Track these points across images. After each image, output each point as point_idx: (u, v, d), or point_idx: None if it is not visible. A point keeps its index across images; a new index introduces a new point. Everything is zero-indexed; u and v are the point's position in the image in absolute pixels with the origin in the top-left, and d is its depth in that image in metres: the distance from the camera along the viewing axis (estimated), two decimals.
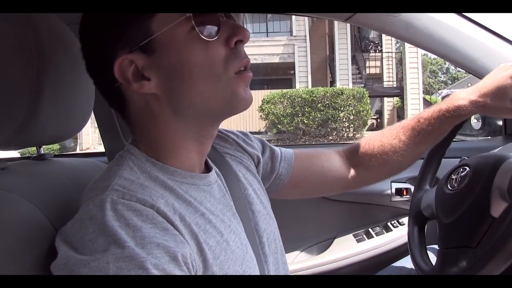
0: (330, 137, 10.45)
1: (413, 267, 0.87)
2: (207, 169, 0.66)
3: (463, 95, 0.76)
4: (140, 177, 0.54)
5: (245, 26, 0.58)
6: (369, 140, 0.88)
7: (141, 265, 0.44)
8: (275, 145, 0.86)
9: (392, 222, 1.47)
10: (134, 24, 0.53)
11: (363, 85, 12.07)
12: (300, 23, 12.26)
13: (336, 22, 10.24)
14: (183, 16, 0.53)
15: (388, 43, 13.45)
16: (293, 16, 10.07)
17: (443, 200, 0.83)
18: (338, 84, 11.78)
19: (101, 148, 1.48)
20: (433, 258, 0.90)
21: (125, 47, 0.54)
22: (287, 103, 10.41)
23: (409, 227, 0.90)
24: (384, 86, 13.07)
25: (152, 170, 0.56)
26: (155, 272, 0.44)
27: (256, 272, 0.61)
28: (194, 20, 0.53)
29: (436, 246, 1.04)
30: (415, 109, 11.54)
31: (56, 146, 7.68)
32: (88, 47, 0.57)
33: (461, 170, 0.83)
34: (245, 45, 0.59)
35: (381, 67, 13.38)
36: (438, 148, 0.90)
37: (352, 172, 0.87)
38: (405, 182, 1.43)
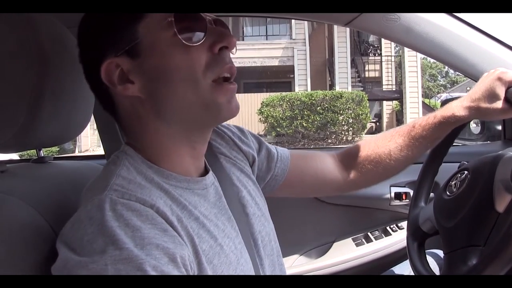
0: (329, 140, 10.45)
1: (412, 272, 0.87)
2: (206, 170, 0.65)
3: (456, 103, 0.79)
4: (137, 177, 0.54)
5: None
6: (363, 144, 0.89)
7: (139, 267, 0.44)
8: None
9: (391, 226, 1.47)
10: (122, 28, 0.55)
11: (362, 89, 12.08)
12: (300, 26, 12.27)
13: (335, 26, 10.25)
14: (166, 21, 0.54)
15: (388, 46, 13.46)
16: (293, 20, 10.09)
17: (443, 206, 0.82)
18: (337, 88, 11.78)
19: (100, 150, 1.48)
20: (432, 263, 0.90)
21: (113, 50, 0.55)
22: (286, 106, 10.42)
23: (409, 244, 0.89)
24: (383, 89, 13.07)
25: (148, 172, 0.56)
26: (153, 274, 0.44)
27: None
28: (176, 26, 0.54)
29: (434, 250, 1.04)
30: (414, 113, 11.55)
31: (55, 148, 7.67)
32: (82, 51, 0.59)
33: (459, 175, 0.83)
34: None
35: (380, 70, 13.38)
36: (431, 165, 0.91)
37: (345, 174, 0.88)
38: (404, 187, 1.43)
